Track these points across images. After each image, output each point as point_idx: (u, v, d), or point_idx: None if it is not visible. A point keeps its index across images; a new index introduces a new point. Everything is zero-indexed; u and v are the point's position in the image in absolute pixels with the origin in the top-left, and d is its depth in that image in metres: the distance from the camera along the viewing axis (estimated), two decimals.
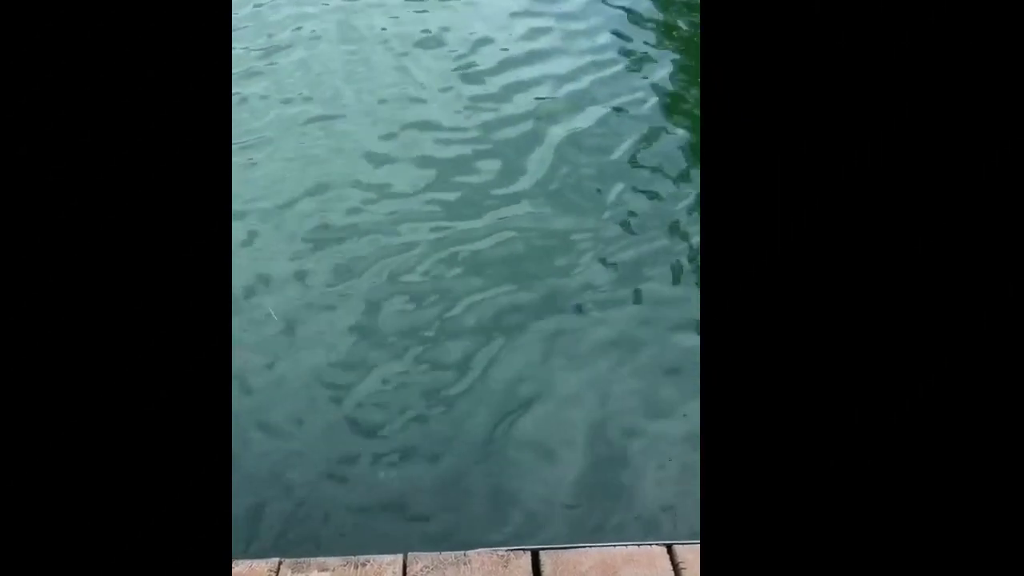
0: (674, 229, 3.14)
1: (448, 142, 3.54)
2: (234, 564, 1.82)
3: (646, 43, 4.11)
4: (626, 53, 4.07)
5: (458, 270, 2.98)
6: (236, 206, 3.18)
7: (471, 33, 4.16)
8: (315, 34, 4.16)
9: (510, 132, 3.58)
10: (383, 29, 4.20)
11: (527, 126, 3.61)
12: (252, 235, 3.11)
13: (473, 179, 3.36)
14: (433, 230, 3.13)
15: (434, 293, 2.89)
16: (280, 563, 1.83)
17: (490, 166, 3.42)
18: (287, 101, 3.75)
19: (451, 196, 3.28)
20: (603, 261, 3.03)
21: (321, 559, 1.85)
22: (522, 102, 3.74)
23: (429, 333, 2.76)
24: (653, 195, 3.30)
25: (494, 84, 3.84)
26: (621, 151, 3.50)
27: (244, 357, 2.67)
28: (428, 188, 3.31)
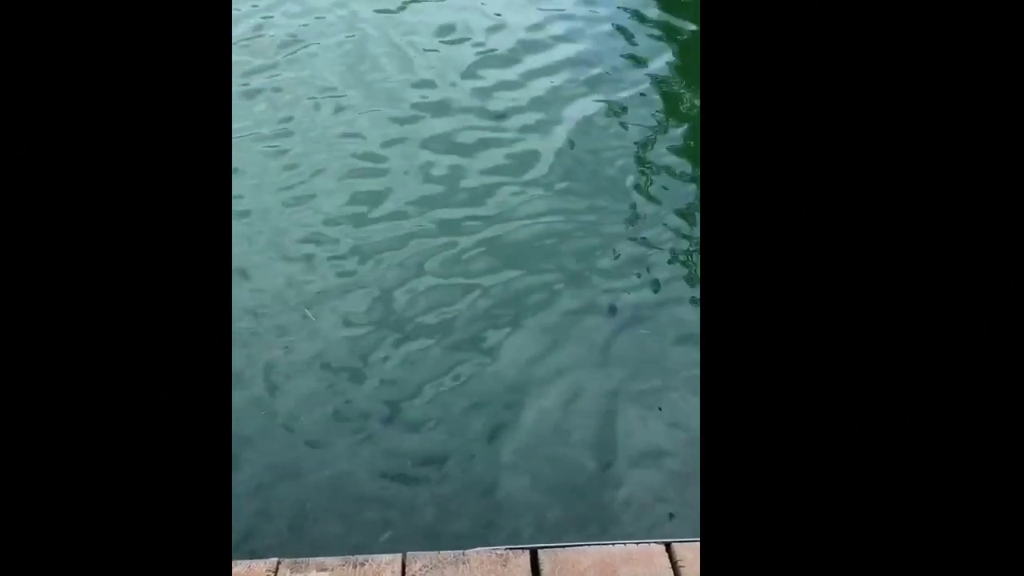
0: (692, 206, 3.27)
1: (467, 128, 3.63)
2: (232, 564, 1.82)
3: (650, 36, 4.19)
4: (632, 42, 4.13)
5: (484, 255, 3.07)
6: (259, 197, 3.26)
7: (482, 23, 4.24)
8: (330, 25, 4.22)
9: (527, 119, 3.67)
10: (396, 18, 4.26)
11: (543, 114, 3.70)
12: (276, 228, 3.17)
13: (491, 164, 3.44)
14: (457, 216, 3.21)
15: (460, 277, 2.97)
16: (279, 563, 1.83)
17: (509, 151, 3.50)
18: (306, 92, 3.81)
19: (473, 182, 3.35)
20: (626, 240, 3.12)
21: (320, 559, 1.85)
22: (536, 89, 3.83)
23: (450, 315, 2.84)
24: (673, 180, 3.39)
25: (512, 72, 3.93)
26: (637, 137, 3.58)
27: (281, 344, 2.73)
28: (451, 175, 3.38)
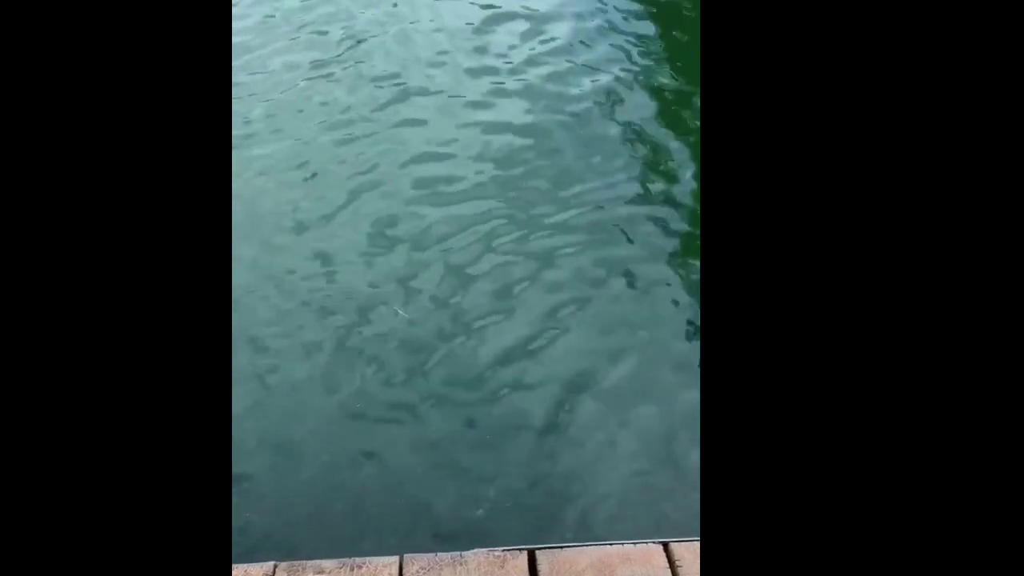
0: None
1: (530, 112, 3.73)
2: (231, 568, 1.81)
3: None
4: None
5: (553, 234, 3.17)
6: (336, 183, 3.36)
7: (535, 12, 4.32)
8: (391, 16, 4.31)
9: (579, 108, 3.76)
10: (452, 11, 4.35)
11: (591, 105, 3.78)
12: (354, 209, 3.23)
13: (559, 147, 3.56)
14: (520, 199, 3.31)
15: (525, 254, 3.08)
16: (276, 566, 1.82)
17: (581, 134, 3.61)
18: (372, 81, 3.92)
19: (537, 165, 3.46)
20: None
21: (317, 562, 1.84)
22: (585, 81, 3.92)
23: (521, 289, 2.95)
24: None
25: (561, 64, 4.01)
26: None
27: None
28: (510, 157, 3.48)
